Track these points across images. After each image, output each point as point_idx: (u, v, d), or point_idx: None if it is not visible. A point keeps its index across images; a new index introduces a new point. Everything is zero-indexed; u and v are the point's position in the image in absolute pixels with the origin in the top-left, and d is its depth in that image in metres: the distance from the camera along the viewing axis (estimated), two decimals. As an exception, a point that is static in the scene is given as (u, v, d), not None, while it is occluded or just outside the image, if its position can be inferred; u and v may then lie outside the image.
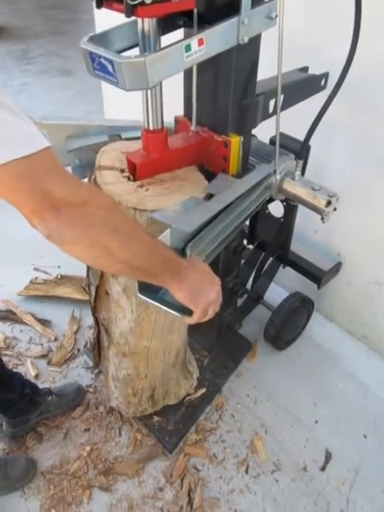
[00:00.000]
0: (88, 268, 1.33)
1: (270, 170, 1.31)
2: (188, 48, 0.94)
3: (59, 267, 2.35)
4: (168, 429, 1.64)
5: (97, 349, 1.54)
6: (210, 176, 1.24)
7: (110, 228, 0.74)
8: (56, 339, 2.00)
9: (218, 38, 0.97)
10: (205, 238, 1.08)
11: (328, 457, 1.63)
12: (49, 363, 1.90)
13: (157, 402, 1.64)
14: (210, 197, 1.14)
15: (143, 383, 1.52)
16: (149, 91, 1.08)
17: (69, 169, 1.29)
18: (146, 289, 0.98)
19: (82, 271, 2.23)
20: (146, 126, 1.14)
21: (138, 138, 1.27)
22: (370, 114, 1.57)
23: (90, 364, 1.90)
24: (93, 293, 1.31)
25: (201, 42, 0.94)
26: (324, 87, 1.51)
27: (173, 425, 1.65)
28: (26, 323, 2.05)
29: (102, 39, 1.01)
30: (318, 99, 1.34)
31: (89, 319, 2.09)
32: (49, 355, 1.93)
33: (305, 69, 1.56)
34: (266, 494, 1.53)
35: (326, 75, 1.48)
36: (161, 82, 1.05)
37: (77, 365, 1.91)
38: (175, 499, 1.50)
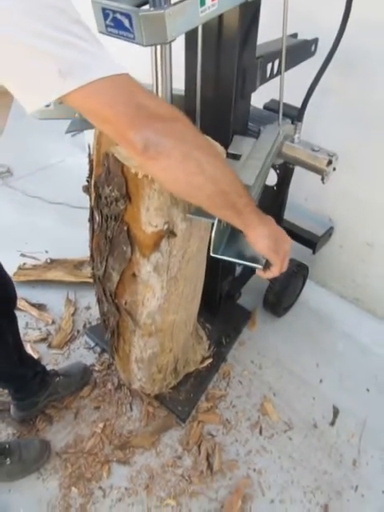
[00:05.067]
0: (103, 264, 1.23)
1: (277, 130, 1.33)
2: (203, 2, 0.94)
3: (47, 252, 2.30)
4: (179, 399, 1.65)
5: (116, 336, 1.47)
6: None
7: (198, 144, 0.75)
8: (53, 322, 1.96)
9: (229, -6, 0.97)
10: None
11: (336, 412, 1.69)
12: (49, 346, 1.87)
13: (179, 373, 1.65)
14: (233, 157, 1.14)
15: (168, 357, 1.51)
16: (159, 54, 1.06)
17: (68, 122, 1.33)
18: (216, 248, 0.98)
19: (71, 254, 2.23)
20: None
21: None
22: (360, 79, 1.60)
23: (92, 344, 1.88)
24: (115, 279, 1.24)
25: (214, -3, 0.94)
26: (313, 53, 1.54)
27: (183, 395, 1.66)
28: (20, 309, 1.99)
29: (110, -5, 0.99)
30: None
31: (84, 301, 2.07)
32: (48, 338, 1.90)
33: (294, 35, 1.58)
34: (282, 452, 1.57)
35: (315, 41, 1.51)
36: (170, 47, 1.03)
37: (78, 346, 1.88)
38: (194, 465, 1.52)
